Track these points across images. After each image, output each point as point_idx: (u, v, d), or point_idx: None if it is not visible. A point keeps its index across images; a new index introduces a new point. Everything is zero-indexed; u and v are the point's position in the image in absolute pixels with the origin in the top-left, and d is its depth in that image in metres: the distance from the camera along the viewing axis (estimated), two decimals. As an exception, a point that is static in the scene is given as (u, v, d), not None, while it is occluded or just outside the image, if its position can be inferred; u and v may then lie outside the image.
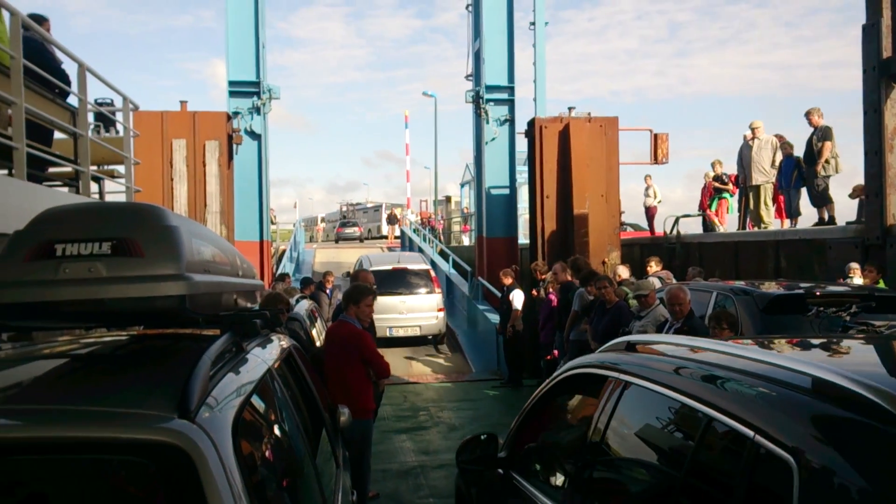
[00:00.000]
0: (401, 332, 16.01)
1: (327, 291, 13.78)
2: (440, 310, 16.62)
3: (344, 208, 57.51)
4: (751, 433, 1.88)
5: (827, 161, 11.53)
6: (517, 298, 12.10)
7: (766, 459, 1.81)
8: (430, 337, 16.66)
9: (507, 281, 12.45)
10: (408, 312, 16.21)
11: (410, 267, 17.30)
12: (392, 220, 39.97)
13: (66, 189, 7.45)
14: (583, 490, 2.82)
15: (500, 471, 3.75)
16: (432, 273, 17.69)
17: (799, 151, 12.62)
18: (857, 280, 8.79)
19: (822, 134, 11.54)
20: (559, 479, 3.19)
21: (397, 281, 16.53)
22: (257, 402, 2.60)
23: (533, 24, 16.77)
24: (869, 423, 1.66)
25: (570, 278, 9.95)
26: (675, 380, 2.40)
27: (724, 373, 2.22)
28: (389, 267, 17.01)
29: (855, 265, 9.03)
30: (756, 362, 2.17)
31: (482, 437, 3.86)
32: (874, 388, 1.69)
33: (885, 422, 1.62)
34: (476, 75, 17.80)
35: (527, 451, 3.62)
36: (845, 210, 14.28)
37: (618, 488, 2.78)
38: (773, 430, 1.82)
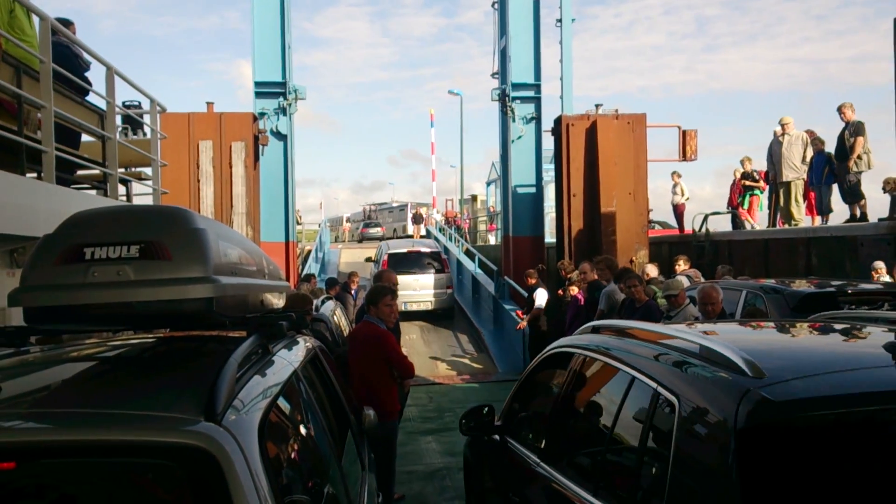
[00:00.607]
0: (414, 307, 18.13)
1: (352, 292, 13.81)
2: (449, 287, 18.98)
3: (368, 209, 57.39)
4: (654, 385, 2.61)
5: (859, 157, 11.32)
6: (540, 296, 12.15)
7: (664, 402, 2.51)
8: (439, 311, 18.74)
9: (532, 281, 12.51)
10: (421, 289, 18.51)
11: (423, 250, 19.94)
12: (417, 219, 39.85)
13: (94, 192, 7.53)
14: (554, 444, 3.48)
15: (497, 436, 4.31)
16: (443, 255, 20.02)
17: (830, 147, 12.42)
18: (885, 279, 8.62)
19: (855, 129, 11.34)
20: (539, 437, 3.77)
21: (412, 262, 18.97)
22: (283, 404, 2.60)
23: (559, 20, 16.68)
24: (720, 372, 2.39)
25: (597, 277, 9.87)
26: (614, 352, 3.15)
27: (648, 345, 2.98)
28: (405, 250, 19.71)
29: (880, 264, 8.84)
30: (672, 337, 2.91)
31: (484, 410, 4.40)
32: (731, 349, 2.39)
33: (729, 369, 2.35)
34: (502, 73, 17.74)
35: (518, 419, 4.27)
36: (877, 206, 14.03)
37: (577, 438, 3.42)
38: (667, 381, 2.57)
